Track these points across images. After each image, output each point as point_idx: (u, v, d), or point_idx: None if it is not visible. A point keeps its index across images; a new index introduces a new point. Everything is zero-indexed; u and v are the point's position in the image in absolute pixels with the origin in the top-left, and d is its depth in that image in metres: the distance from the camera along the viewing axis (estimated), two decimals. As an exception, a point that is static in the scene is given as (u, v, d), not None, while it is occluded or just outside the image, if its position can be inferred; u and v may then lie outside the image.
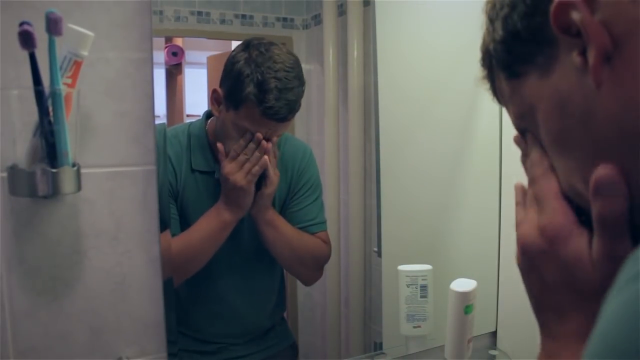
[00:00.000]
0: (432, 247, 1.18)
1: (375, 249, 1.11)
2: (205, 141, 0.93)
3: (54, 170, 0.66)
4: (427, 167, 1.16)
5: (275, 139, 0.92)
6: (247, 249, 0.98)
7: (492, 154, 1.16)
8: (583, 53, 0.35)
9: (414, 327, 1.06)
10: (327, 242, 1.04)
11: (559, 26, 0.35)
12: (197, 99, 0.97)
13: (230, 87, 0.89)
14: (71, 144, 0.67)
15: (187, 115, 0.97)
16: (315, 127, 1.09)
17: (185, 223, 0.91)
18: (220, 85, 0.90)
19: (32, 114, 0.65)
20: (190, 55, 0.95)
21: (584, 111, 0.36)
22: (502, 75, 0.44)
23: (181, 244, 0.88)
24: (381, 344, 1.11)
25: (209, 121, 0.95)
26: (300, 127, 1.06)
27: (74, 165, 0.68)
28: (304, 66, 1.05)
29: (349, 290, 1.13)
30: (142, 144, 0.80)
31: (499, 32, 0.42)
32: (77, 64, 0.68)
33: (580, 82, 0.36)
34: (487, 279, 1.17)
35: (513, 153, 0.49)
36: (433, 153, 1.15)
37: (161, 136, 0.82)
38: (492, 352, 1.18)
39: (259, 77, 0.86)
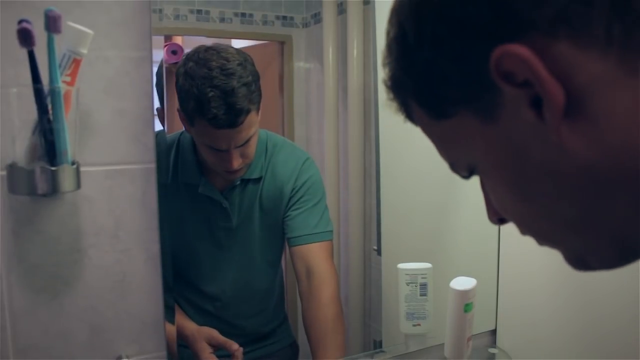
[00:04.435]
0: (432, 245, 1.17)
1: (375, 247, 1.11)
2: (192, 154, 0.92)
3: (53, 169, 0.66)
4: (427, 166, 1.15)
5: (251, 147, 0.90)
6: (241, 256, 0.97)
7: (492, 152, 1.15)
8: (533, 104, 0.32)
9: (414, 325, 1.06)
10: (330, 257, 0.98)
11: (501, 77, 0.32)
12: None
13: (180, 104, 0.87)
14: (70, 142, 0.67)
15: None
16: (315, 126, 1.09)
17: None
18: None
19: (31, 112, 0.65)
20: (189, 54, 0.95)
21: (546, 161, 0.33)
22: (425, 112, 0.40)
23: None
24: (381, 342, 1.11)
25: None
26: (300, 126, 1.06)
27: (73, 163, 0.68)
28: (304, 65, 1.05)
29: (348, 289, 1.13)
30: (142, 142, 0.80)
31: (416, 67, 0.37)
32: (77, 62, 0.68)
33: (537, 134, 0.32)
34: (487, 277, 1.16)
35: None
36: (433, 151, 1.15)
37: (161, 139, 0.82)
38: (492, 350, 1.18)
39: (196, 91, 0.83)
